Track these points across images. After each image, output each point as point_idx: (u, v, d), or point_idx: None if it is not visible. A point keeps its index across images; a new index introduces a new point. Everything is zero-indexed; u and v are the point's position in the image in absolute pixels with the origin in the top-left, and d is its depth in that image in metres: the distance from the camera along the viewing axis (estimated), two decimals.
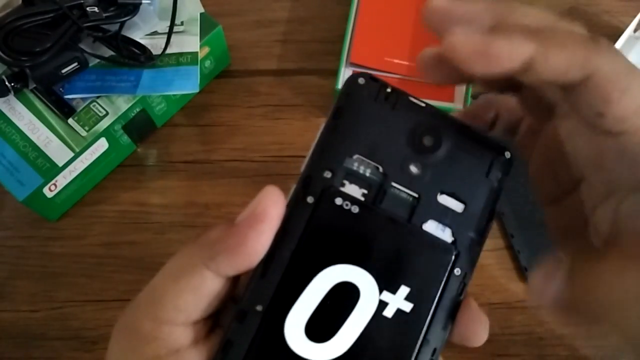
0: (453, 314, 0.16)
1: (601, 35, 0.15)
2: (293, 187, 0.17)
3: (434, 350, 0.16)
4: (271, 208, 0.16)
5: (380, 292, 0.16)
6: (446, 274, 0.16)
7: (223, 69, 0.44)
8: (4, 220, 0.40)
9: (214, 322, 0.17)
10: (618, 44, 0.42)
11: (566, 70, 0.14)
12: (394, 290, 0.16)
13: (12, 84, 0.36)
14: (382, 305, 0.16)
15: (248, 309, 0.16)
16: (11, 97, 0.37)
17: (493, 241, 0.39)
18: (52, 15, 0.35)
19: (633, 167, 0.15)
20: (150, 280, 0.17)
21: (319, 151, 0.17)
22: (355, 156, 0.17)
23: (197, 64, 0.39)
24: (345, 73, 0.41)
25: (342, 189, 0.16)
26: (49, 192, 0.37)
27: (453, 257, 0.16)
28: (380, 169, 0.17)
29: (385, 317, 0.16)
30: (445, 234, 0.16)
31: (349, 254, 0.16)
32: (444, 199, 0.17)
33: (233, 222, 0.16)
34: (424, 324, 0.16)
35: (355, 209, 0.16)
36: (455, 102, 0.40)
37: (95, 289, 0.38)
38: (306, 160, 0.17)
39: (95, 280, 0.38)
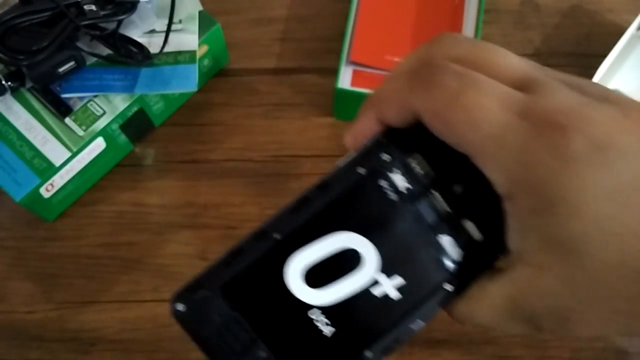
0: (428, 318, 0.18)
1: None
2: (353, 153, 0.19)
3: (397, 339, 0.18)
4: None
5: (379, 271, 0.18)
6: (438, 284, 0.18)
7: (222, 67, 0.44)
8: (0, 220, 0.39)
9: None
10: (620, 43, 0.42)
11: (404, 119, 0.17)
12: (390, 275, 0.18)
13: (9, 83, 0.36)
14: (375, 283, 0.18)
15: (267, 232, 0.18)
16: (8, 96, 0.37)
17: None
18: (49, 13, 0.35)
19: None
20: None
21: (388, 134, 0.18)
22: (417, 155, 0.18)
23: (195, 63, 0.38)
24: (345, 72, 0.41)
25: (391, 174, 0.18)
26: (45, 192, 0.36)
27: (450, 274, 0.18)
28: (432, 175, 0.18)
29: (372, 294, 0.18)
30: (454, 253, 0.18)
31: (369, 228, 0.18)
32: (469, 225, 0.18)
33: None
34: (401, 315, 0.18)
35: (393, 196, 0.18)
36: None
37: (93, 290, 0.37)
38: (376, 135, 0.18)
39: (93, 281, 0.38)
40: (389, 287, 0.18)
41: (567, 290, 0.15)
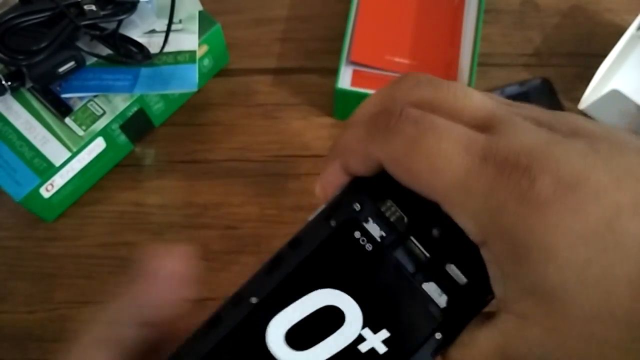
0: None
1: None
2: (322, 206, 0.18)
3: None
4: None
5: (363, 327, 0.17)
6: (427, 335, 0.17)
7: (222, 67, 0.44)
8: (0, 221, 0.39)
9: None
10: (620, 43, 0.42)
11: (369, 169, 0.17)
12: (375, 330, 0.17)
13: (9, 83, 0.36)
14: (360, 339, 0.17)
15: (244, 297, 0.17)
16: (8, 96, 0.37)
17: None
18: (49, 13, 0.35)
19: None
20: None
21: (357, 183, 0.18)
22: (389, 201, 0.18)
23: (195, 63, 0.39)
24: (345, 72, 0.41)
25: (364, 224, 0.18)
26: (45, 192, 0.36)
27: (439, 321, 0.17)
28: (406, 220, 0.18)
29: (359, 351, 0.17)
30: (441, 299, 0.17)
31: (348, 283, 0.17)
32: (451, 269, 0.18)
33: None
34: None
35: (368, 247, 0.17)
36: None
37: (93, 290, 0.38)
38: (345, 184, 0.18)
39: (93, 282, 0.38)
40: (376, 342, 0.17)
41: (553, 342, 0.15)
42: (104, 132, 0.37)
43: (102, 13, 0.36)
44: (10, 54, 0.34)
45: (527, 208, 0.14)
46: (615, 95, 0.39)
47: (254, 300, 0.17)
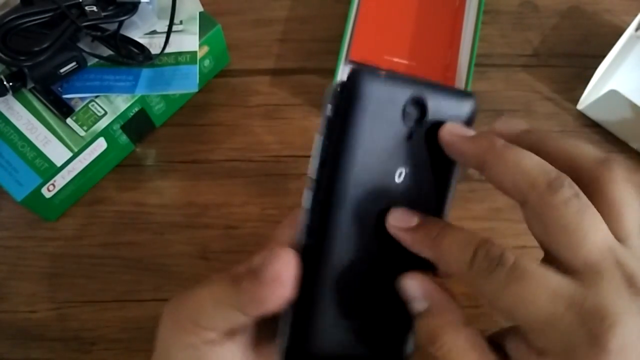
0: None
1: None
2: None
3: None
4: (284, 273, 0.19)
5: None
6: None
7: (222, 68, 0.44)
8: (1, 220, 0.39)
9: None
10: (619, 43, 0.42)
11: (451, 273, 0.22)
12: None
13: (11, 84, 0.36)
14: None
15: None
16: (9, 96, 0.37)
17: None
18: (50, 14, 0.35)
19: None
20: (196, 291, 0.21)
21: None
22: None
23: (196, 63, 0.39)
24: (344, 72, 0.41)
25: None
26: (47, 192, 0.37)
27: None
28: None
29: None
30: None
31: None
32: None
33: (256, 273, 0.20)
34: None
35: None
36: None
37: (94, 289, 0.38)
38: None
39: (94, 281, 0.38)
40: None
41: None
42: (105, 133, 0.37)
43: (103, 14, 0.37)
44: (12, 54, 0.34)
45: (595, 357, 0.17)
46: (614, 95, 0.39)
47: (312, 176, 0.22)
